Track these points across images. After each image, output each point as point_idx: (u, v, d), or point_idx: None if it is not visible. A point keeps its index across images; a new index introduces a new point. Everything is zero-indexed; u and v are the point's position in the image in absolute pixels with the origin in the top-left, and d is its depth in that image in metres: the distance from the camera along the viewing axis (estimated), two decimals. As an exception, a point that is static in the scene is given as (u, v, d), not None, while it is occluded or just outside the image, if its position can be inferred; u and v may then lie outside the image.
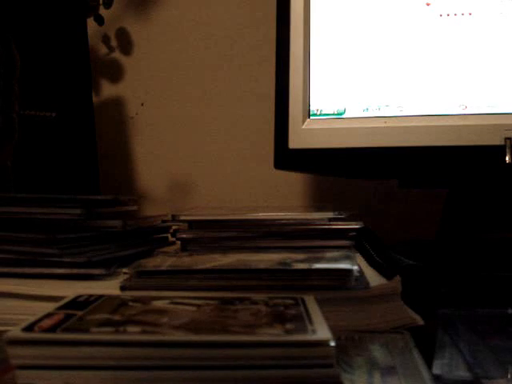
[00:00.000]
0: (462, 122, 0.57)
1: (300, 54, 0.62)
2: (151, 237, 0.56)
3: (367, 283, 0.39)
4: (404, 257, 0.52)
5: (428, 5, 0.59)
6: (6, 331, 0.26)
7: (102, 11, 0.82)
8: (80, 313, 0.30)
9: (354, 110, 0.61)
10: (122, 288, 0.39)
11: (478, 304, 0.41)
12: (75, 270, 0.43)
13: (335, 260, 0.41)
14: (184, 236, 0.52)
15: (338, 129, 0.61)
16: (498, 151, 0.54)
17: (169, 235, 0.56)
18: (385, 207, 0.82)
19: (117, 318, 0.29)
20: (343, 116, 0.61)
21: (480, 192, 0.64)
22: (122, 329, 0.28)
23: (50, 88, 0.72)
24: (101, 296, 0.34)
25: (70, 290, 0.37)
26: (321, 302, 0.33)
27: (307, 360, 0.26)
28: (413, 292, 0.40)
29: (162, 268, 0.40)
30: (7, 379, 0.27)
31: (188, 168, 0.90)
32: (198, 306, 0.32)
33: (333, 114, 0.61)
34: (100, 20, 0.83)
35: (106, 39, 0.92)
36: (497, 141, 0.54)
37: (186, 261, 0.43)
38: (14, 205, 0.47)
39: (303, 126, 0.62)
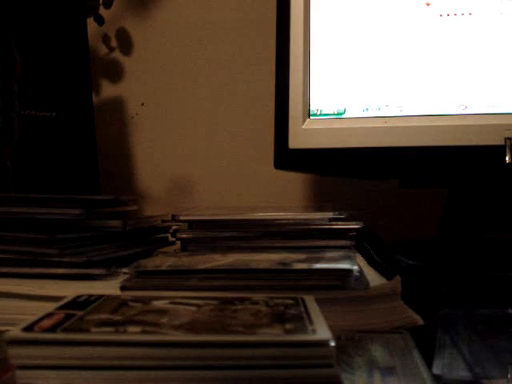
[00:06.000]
0: (461, 122, 0.57)
1: (300, 54, 0.62)
2: (151, 237, 0.56)
3: (367, 283, 0.39)
4: (404, 257, 0.52)
5: (428, 5, 0.59)
6: (5, 331, 0.27)
7: (102, 11, 0.82)
8: (80, 313, 0.30)
9: (354, 110, 0.61)
10: (122, 288, 0.39)
11: (478, 304, 0.41)
12: (75, 270, 0.43)
13: (335, 260, 0.41)
14: (184, 236, 0.52)
15: (338, 129, 0.61)
16: (498, 151, 0.54)
17: (169, 235, 0.56)
18: (385, 207, 0.82)
19: (117, 317, 0.29)
20: (343, 116, 0.61)
21: (480, 192, 0.64)
22: (122, 329, 0.28)
23: (50, 88, 0.72)
24: (101, 296, 0.34)
25: (70, 289, 0.37)
26: (321, 302, 0.33)
27: (307, 360, 0.26)
28: (413, 292, 0.40)
29: (162, 268, 0.40)
30: (7, 379, 0.27)
31: (188, 168, 0.90)
32: (198, 306, 0.32)
33: (333, 114, 0.61)
34: (100, 20, 0.83)
35: (106, 39, 0.92)
36: (497, 141, 0.54)
37: (186, 261, 0.43)
38: (14, 205, 0.47)
39: (303, 126, 0.62)
